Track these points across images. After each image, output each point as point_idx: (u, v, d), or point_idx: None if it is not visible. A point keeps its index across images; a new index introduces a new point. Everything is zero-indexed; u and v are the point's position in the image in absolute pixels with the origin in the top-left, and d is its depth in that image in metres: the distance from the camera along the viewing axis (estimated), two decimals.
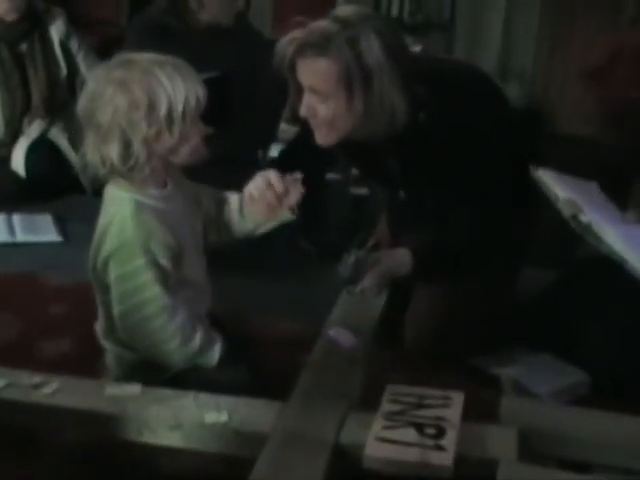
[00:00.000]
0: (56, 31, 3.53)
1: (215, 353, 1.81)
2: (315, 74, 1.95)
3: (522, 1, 4.49)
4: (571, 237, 2.19)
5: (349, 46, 1.91)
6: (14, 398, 1.70)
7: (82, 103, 1.71)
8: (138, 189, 1.74)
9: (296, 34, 1.95)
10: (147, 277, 1.72)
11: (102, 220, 1.76)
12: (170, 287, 1.75)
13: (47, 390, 1.71)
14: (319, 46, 1.92)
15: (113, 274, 1.74)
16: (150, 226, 1.72)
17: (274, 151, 3.46)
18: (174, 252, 1.75)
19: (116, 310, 1.77)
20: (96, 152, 1.69)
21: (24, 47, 3.47)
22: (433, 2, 4.60)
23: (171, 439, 1.63)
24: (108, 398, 1.69)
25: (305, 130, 2.36)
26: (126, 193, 1.73)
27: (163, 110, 1.65)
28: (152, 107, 1.65)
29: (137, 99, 1.64)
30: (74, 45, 3.57)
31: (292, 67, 1.99)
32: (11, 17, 3.42)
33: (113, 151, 1.67)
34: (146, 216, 1.72)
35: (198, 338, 1.79)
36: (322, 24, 1.94)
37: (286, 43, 1.96)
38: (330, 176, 3.38)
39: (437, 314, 2.26)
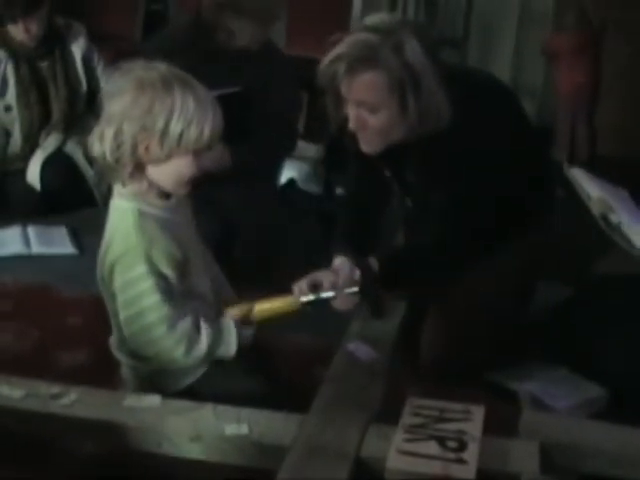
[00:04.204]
0: (78, 47, 3.52)
1: (232, 343, 1.81)
2: (366, 87, 1.92)
3: (534, 18, 4.50)
4: (587, 253, 2.18)
5: (395, 54, 1.89)
6: (33, 408, 1.69)
7: (106, 88, 1.79)
8: (142, 199, 1.75)
9: (339, 50, 1.91)
10: (147, 285, 1.73)
11: (108, 230, 1.78)
12: (173, 297, 1.75)
13: (65, 401, 1.71)
14: (367, 59, 1.89)
15: (117, 281, 1.75)
16: (153, 235, 1.73)
17: (290, 170, 3.48)
18: (177, 262, 1.76)
19: (121, 317, 1.78)
20: (96, 135, 1.72)
21: (44, 65, 3.47)
22: (446, 19, 4.61)
23: (190, 451, 1.63)
24: (127, 409, 1.69)
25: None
26: (130, 203, 1.75)
27: (159, 123, 1.66)
28: (149, 112, 1.66)
29: (141, 100, 1.67)
30: (95, 59, 3.58)
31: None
32: (30, 43, 3.42)
33: (108, 136, 1.69)
34: (149, 225, 1.73)
35: (204, 342, 1.78)
36: (362, 36, 1.91)
37: (331, 62, 1.92)
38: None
39: (452, 329, 2.25)
